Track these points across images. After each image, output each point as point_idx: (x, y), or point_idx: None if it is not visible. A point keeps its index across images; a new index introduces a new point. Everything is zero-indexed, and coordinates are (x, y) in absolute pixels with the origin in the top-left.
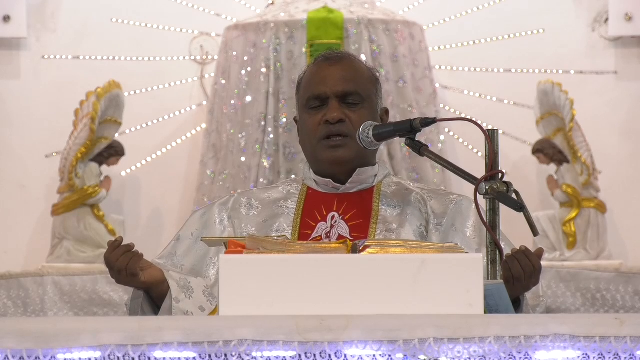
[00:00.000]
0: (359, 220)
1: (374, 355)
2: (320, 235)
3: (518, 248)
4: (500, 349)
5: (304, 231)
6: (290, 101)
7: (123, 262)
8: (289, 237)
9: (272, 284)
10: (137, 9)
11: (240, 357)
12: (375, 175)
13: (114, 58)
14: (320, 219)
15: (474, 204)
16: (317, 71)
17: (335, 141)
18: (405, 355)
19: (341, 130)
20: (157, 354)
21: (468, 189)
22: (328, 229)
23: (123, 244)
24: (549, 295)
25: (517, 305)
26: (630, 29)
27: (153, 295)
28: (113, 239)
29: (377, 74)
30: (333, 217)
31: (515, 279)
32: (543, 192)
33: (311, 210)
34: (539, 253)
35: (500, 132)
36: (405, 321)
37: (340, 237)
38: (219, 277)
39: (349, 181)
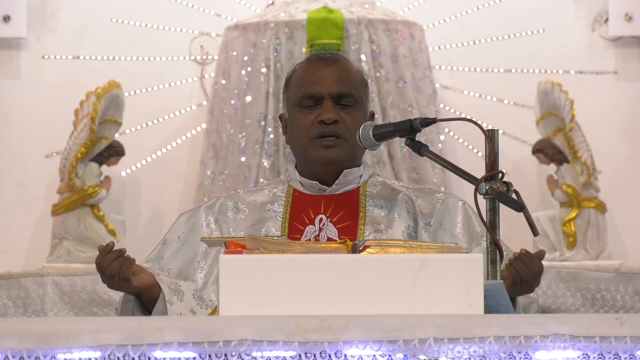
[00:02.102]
0: (347, 222)
1: (374, 355)
2: (309, 239)
3: (514, 250)
4: (500, 349)
5: (293, 235)
6: None
7: (115, 267)
8: None
9: (272, 284)
10: (137, 9)
11: (240, 357)
12: (361, 176)
13: (114, 58)
14: (308, 222)
15: (460, 202)
16: (312, 71)
17: (329, 141)
18: (405, 355)
19: (335, 131)
20: (157, 354)
21: (468, 189)
22: (317, 232)
23: (117, 247)
24: (549, 295)
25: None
26: (630, 29)
27: (144, 300)
28: (110, 240)
29: (367, 78)
30: (321, 219)
31: (522, 281)
32: (543, 192)
33: (299, 214)
34: (541, 255)
35: (500, 132)
36: (405, 321)
37: (329, 239)
38: (218, 277)
39: (336, 182)
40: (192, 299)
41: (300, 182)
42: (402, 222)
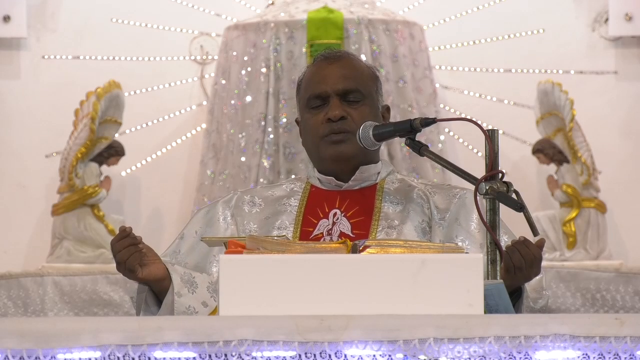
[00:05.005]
0: (361, 217)
1: (374, 355)
2: (322, 232)
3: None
4: (500, 349)
5: (306, 228)
6: (290, 101)
7: (123, 256)
8: (291, 234)
9: (272, 284)
10: (137, 9)
11: (240, 357)
12: (379, 173)
13: (114, 58)
14: (322, 216)
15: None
16: (317, 70)
17: (338, 137)
18: (405, 355)
19: (343, 128)
20: (157, 354)
21: (468, 188)
22: (330, 226)
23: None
24: (549, 295)
25: (519, 295)
26: (630, 29)
27: (155, 291)
28: (113, 237)
29: (377, 72)
30: (335, 214)
31: (516, 269)
32: (543, 192)
33: (313, 208)
34: (540, 243)
35: (500, 132)
36: (405, 321)
37: (342, 234)
38: (219, 277)
39: (352, 179)
40: (207, 291)
41: (319, 179)
42: (415, 217)
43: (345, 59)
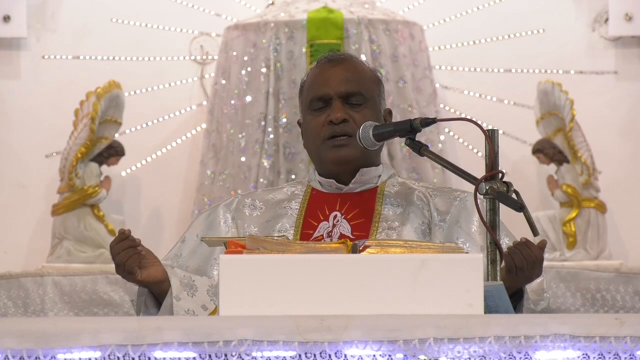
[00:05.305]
0: (361, 220)
1: (374, 355)
2: (322, 235)
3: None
4: (500, 349)
5: (306, 231)
6: (290, 101)
7: (122, 258)
8: (291, 236)
9: (272, 284)
10: (137, 9)
11: (240, 357)
12: (379, 176)
13: (114, 58)
14: (322, 218)
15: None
16: (320, 73)
17: (339, 140)
18: (405, 355)
19: (345, 130)
20: (157, 354)
21: (468, 188)
22: (330, 228)
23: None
24: (550, 297)
25: (520, 297)
26: (630, 29)
27: (155, 293)
28: (113, 237)
29: (380, 75)
30: (335, 216)
31: (518, 269)
32: (543, 192)
33: (314, 210)
34: (542, 245)
35: (500, 132)
36: (405, 321)
37: (342, 236)
38: (219, 277)
39: (352, 181)
40: (206, 294)
41: (319, 182)
42: (415, 219)
43: (348, 61)
